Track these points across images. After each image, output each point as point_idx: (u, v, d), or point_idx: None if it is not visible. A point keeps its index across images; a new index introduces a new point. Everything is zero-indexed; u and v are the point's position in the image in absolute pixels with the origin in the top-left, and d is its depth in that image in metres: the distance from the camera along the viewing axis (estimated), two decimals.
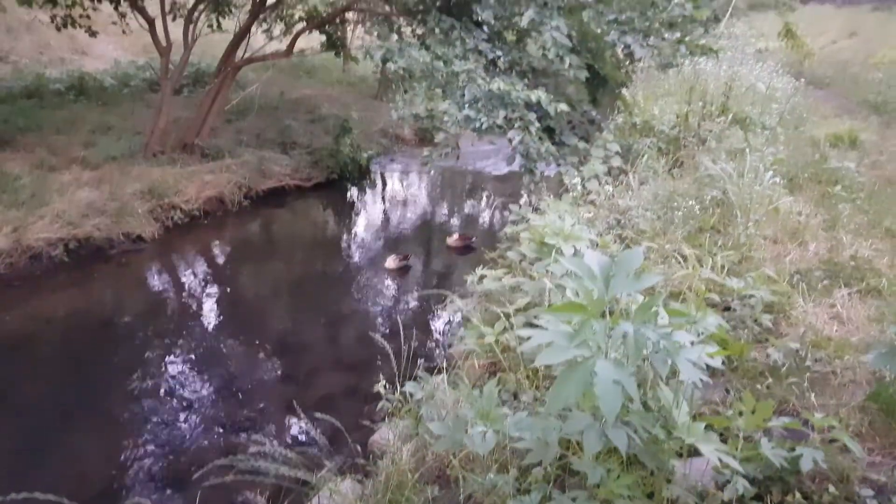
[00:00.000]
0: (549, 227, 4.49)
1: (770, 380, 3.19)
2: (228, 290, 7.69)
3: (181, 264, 8.51)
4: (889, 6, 25.14)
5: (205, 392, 5.44)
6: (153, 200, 8.84)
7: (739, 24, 20.65)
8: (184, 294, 7.60)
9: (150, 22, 10.14)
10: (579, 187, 6.04)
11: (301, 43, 11.47)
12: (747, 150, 6.05)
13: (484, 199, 12.07)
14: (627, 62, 11.13)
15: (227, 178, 9.95)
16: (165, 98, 10.25)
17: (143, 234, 8.45)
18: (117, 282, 7.71)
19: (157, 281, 7.91)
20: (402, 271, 8.04)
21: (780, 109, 9.03)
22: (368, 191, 12.27)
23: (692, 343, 2.75)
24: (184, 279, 8.11)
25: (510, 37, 10.31)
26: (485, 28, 9.18)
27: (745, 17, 21.65)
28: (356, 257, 9.02)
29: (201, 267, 8.52)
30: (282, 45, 11.89)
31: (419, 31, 9.52)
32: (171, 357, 6.00)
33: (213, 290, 7.72)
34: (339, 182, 11.81)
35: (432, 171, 11.16)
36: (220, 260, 8.88)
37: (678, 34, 8.08)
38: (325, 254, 9.05)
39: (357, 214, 11.17)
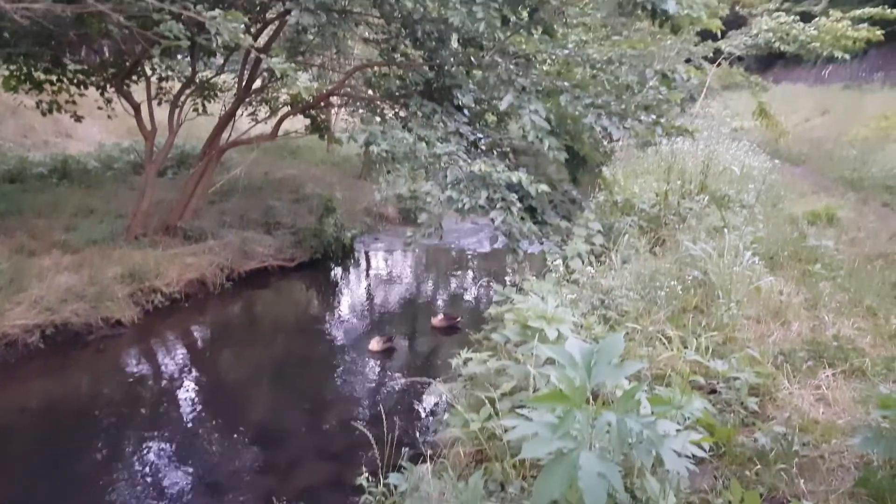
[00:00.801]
0: (532, 309, 4.53)
1: (758, 465, 3.18)
2: (207, 375, 7.59)
3: (160, 350, 8.41)
4: (858, 85, 26.30)
5: (182, 484, 5.29)
6: (133, 284, 8.82)
7: (714, 104, 21.50)
8: (162, 381, 7.49)
9: (136, 107, 10.37)
10: (561, 268, 6.11)
11: (286, 124, 11.74)
12: (726, 229, 6.19)
13: (468, 277, 12.14)
14: (606, 142, 11.50)
15: (209, 259, 9.98)
16: (149, 181, 10.38)
17: (123, 319, 8.38)
18: (94, 369, 7.60)
19: (134, 368, 7.80)
20: (385, 353, 8.00)
21: (758, 188, 9.32)
22: (352, 270, 12.32)
23: (677, 430, 2.76)
24: (162, 365, 8.01)
25: (491, 118, 10.65)
26: (465, 111, 9.48)
27: (720, 97, 22.53)
28: (339, 339, 8.97)
29: (180, 352, 8.43)
30: (267, 127, 12.18)
31: (402, 114, 9.80)
32: (148, 448, 5.86)
33: (191, 376, 7.62)
34: (322, 262, 11.87)
35: (417, 250, 11.29)
36: (200, 344, 8.80)
37: (654, 116, 8.38)
38: (307, 336, 9.00)
39: (341, 295, 11.17)
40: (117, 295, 8.51)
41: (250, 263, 10.69)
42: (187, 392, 7.15)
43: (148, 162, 10.71)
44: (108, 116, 11.49)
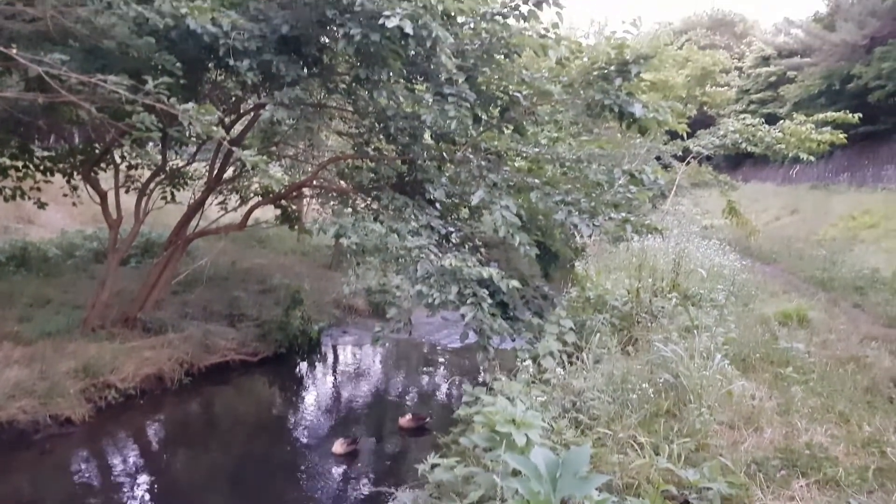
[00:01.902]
0: (501, 413, 4.49)
1: None
2: (160, 480, 7.29)
3: (110, 451, 8.10)
4: (825, 185, 27.47)
5: None
6: (87, 379, 8.59)
7: (685, 201, 22.20)
8: (109, 486, 7.16)
9: (103, 195, 10.41)
10: (531, 369, 6.10)
11: (256, 213, 11.83)
12: (696, 331, 6.26)
13: (438, 373, 12.02)
14: (578, 237, 11.73)
15: (168, 353, 9.78)
16: (110, 270, 10.29)
17: (73, 417, 8.10)
18: (38, 472, 7.27)
19: (80, 471, 7.47)
20: (350, 456, 7.79)
21: (729, 286, 9.51)
22: (318, 365, 12.14)
23: None
24: (111, 468, 7.68)
25: (463, 211, 10.85)
26: (437, 205, 9.66)
27: (690, 194, 23.29)
28: (302, 440, 8.73)
29: (132, 453, 8.11)
30: (237, 215, 12.26)
31: (374, 206, 9.96)
32: None
33: (142, 480, 7.31)
34: (287, 356, 11.69)
35: (386, 344, 11.19)
36: (154, 445, 8.50)
37: (624, 214, 8.61)
38: (268, 437, 8.75)
39: (305, 392, 10.95)
40: (69, 391, 8.26)
41: (211, 358, 10.50)
42: (136, 500, 6.84)
43: (111, 251, 10.65)
44: (74, 203, 11.48)
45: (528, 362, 6.27)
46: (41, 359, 8.57)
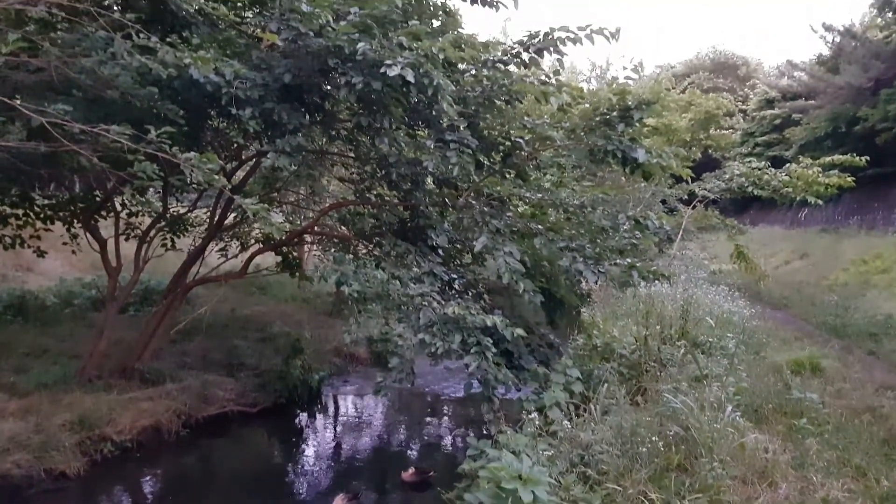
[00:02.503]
0: (506, 469, 4.43)
1: None
2: None
3: None
4: (835, 228, 27.49)
5: None
6: (82, 432, 8.51)
7: (692, 246, 22.23)
8: None
9: (102, 243, 10.47)
10: (537, 422, 6.04)
11: (257, 259, 11.88)
12: (706, 381, 6.21)
13: (442, 424, 11.89)
14: (583, 283, 11.73)
15: (165, 405, 9.71)
16: (108, 319, 10.29)
17: (67, 471, 8.01)
18: None
19: None
20: None
21: (739, 334, 9.46)
22: (319, 416, 12.02)
23: None
24: None
25: (466, 258, 10.88)
26: (440, 251, 9.70)
27: (697, 239, 23.31)
28: (301, 494, 8.60)
29: None
30: (237, 262, 12.29)
31: (375, 253, 10.00)
32: None
33: None
34: (287, 407, 11.59)
35: (388, 394, 11.09)
36: (149, 500, 8.38)
37: (630, 260, 8.63)
38: (267, 491, 8.61)
39: (304, 444, 10.82)
40: (64, 444, 8.19)
41: (209, 409, 10.41)
42: None
43: (110, 299, 10.67)
44: (73, 252, 11.55)
45: (534, 414, 6.21)
46: (36, 411, 8.51)
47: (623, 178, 18.38)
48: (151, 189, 13.10)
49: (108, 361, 10.36)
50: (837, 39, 29.89)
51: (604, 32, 7.85)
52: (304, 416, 11.78)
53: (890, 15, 27.93)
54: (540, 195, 9.97)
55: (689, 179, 13.36)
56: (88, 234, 10.68)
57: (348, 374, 14.10)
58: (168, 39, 7.01)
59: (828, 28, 29.71)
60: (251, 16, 9.83)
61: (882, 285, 16.12)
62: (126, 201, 11.58)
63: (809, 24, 36.97)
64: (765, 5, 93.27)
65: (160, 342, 11.20)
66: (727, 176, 16.82)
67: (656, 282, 10.06)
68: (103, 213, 11.14)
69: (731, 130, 36.82)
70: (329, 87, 8.69)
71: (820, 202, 15.43)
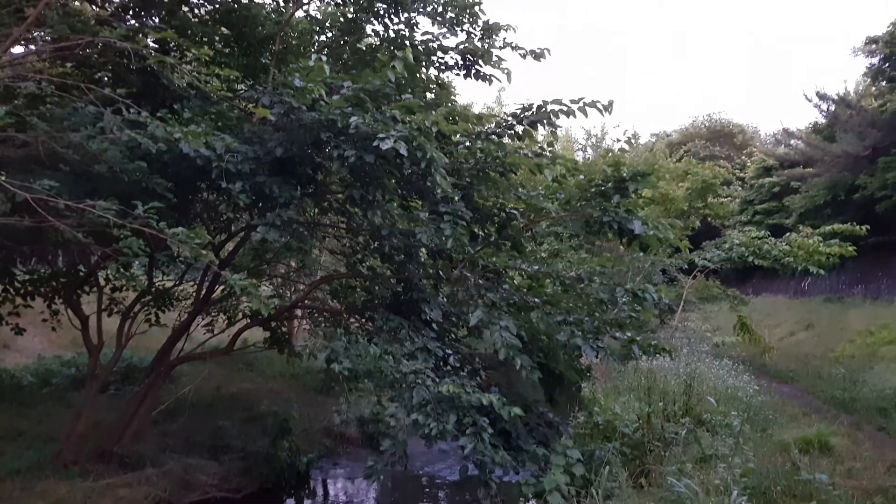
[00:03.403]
0: None
1: None
2: None
3: None
4: (840, 297, 27.58)
5: None
6: None
7: (693, 316, 22.24)
8: None
9: (84, 320, 10.43)
10: None
11: (244, 334, 11.81)
12: (712, 462, 6.14)
13: None
14: (583, 357, 11.69)
15: (144, 491, 9.49)
16: (88, 399, 10.16)
17: None
18: None
19: None
20: None
21: (745, 410, 9.39)
22: (306, 502, 11.74)
23: None
24: None
25: (461, 332, 10.85)
26: (434, 326, 9.68)
27: (699, 309, 23.33)
28: None
29: None
30: (224, 337, 12.21)
31: (368, 327, 9.98)
32: None
33: None
34: (273, 491, 11.33)
35: (380, 477, 10.86)
36: None
37: (629, 334, 8.64)
38: None
39: None
40: None
41: (191, 495, 10.17)
42: None
43: (90, 378, 10.55)
44: (53, 329, 11.48)
45: (533, 501, 6.10)
46: (8, 500, 8.31)
47: (621, 247, 18.53)
48: (137, 262, 13.17)
49: (86, 445, 10.16)
50: (832, 108, 30.66)
51: (597, 105, 8.09)
52: (290, 503, 11.50)
53: (884, 83, 28.75)
54: (536, 267, 10.03)
55: (689, 249, 13.51)
56: (70, 310, 10.64)
57: (339, 455, 13.83)
58: (159, 114, 7.19)
59: (822, 97, 30.52)
60: (244, 88, 10.13)
61: (890, 357, 16.08)
62: (110, 276, 11.61)
63: (803, 93, 38.15)
64: (758, 73, 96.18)
65: (141, 423, 11.02)
66: (727, 245, 17.01)
67: (658, 355, 10.05)
68: (86, 287, 11.13)
69: (729, 199, 37.35)
70: (321, 160, 8.87)
71: (822, 272, 15.58)
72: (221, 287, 12.16)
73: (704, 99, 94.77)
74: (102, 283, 11.19)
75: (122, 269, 8.54)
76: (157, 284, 12.05)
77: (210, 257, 6.48)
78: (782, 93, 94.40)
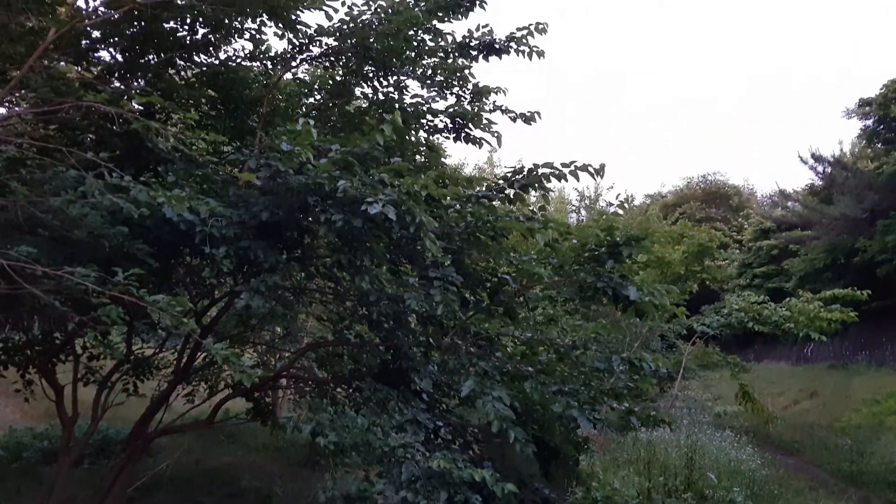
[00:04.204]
0: None
1: None
2: None
3: None
4: (844, 364, 27.54)
5: None
6: None
7: (694, 384, 22.08)
8: None
9: (59, 390, 10.26)
10: None
11: (227, 404, 11.62)
12: None
13: None
14: (580, 430, 11.55)
15: None
16: (60, 475, 9.90)
17: None
18: None
19: None
20: None
21: (748, 485, 9.24)
22: None
23: None
24: None
25: (452, 402, 10.72)
26: (424, 396, 9.56)
27: (699, 378, 23.19)
28: None
29: None
30: (206, 405, 12.01)
31: (355, 397, 9.85)
32: None
33: None
34: None
35: None
36: None
37: (627, 404, 8.56)
38: None
39: None
40: None
41: None
42: None
43: (63, 452, 10.31)
44: (26, 399, 11.29)
45: None
46: None
47: (618, 312, 18.52)
48: (115, 329, 13.05)
49: None
50: (828, 170, 31.23)
51: (588, 169, 8.20)
52: None
53: (880, 146, 29.36)
54: (529, 335, 9.99)
55: (686, 315, 13.51)
56: (44, 380, 10.47)
57: None
58: (142, 177, 7.24)
59: (817, 158, 31.12)
60: (230, 150, 10.23)
61: None
62: (87, 344, 11.47)
63: (798, 154, 39.05)
64: (752, 133, 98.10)
65: (116, 500, 10.72)
66: (726, 311, 17.02)
67: (658, 426, 9.94)
68: (62, 356, 10.98)
69: (727, 262, 37.59)
70: (308, 224, 8.90)
71: (824, 338, 15.59)
72: (203, 355, 12.03)
73: (699, 158, 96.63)
74: (79, 351, 11.03)
75: (99, 337, 8.44)
76: (136, 352, 11.90)
77: (191, 326, 6.43)
78: (776, 153, 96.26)
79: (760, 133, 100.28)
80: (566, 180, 8.41)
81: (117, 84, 10.01)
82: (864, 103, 29.70)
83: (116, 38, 9.21)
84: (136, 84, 10.05)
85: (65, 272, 6.08)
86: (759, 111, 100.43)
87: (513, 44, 10.18)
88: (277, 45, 10.79)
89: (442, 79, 10.74)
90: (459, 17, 10.06)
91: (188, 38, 9.49)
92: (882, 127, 29.04)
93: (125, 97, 9.04)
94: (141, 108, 8.87)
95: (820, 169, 31.99)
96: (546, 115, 10.75)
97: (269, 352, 14.92)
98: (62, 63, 10.46)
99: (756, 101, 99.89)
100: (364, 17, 9.55)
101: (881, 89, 29.07)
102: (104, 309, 6.30)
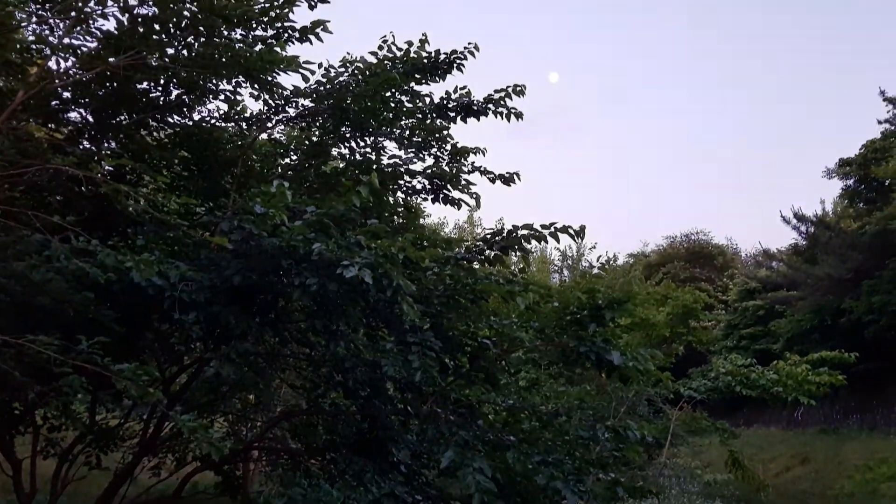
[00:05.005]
0: None
1: None
2: None
3: None
4: (835, 428, 27.54)
5: None
6: None
7: (683, 450, 21.89)
8: None
9: (17, 464, 9.99)
10: None
11: (196, 476, 11.34)
12: None
13: None
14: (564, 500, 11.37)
15: None
16: None
17: None
18: None
19: None
20: None
21: None
22: None
23: None
24: None
25: (431, 473, 10.55)
26: (402, 467, 9.41)
27: (687, 444, 23.03)
28: None
29: None
30: (174, 478, 11.71)
31: (330, 468, 9.69)
32: None
33: None
34: None
35: None
36: None
37: (613, 475, 8.48)
38: None
39: None
40: None
41: None
42: None
43: None
44: None
45: None
46: None
47: (604, 376, 18.46)
48: (79, 397, 12.78)
49: None
50: (811, 229, 31.78)
51: (568, 231, 8.29)
52: None
53: (861, 205, 30.02)
54: (511, 402, 9.94)
55: (671, 380, 13.51)
56: (1, 454, 10.19)
57: None
58: (110, 241, 7.20)
59: (800, 218, 31.70)
60: (202, 212, 10.23)
61: (891, 495, 15.89)
62: (48, 414, 11.22)
63: (780, 214, 39.70)
64: (734, 191, 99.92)
65: None
66: (713, 374, 17.03)
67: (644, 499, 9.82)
68: (21, 428, 10.72)
69: (713, 323, 37.79)
70: (282, 287, 8.86)
71: (813, 403, 15.62)
72: (171, 424, 11.79)
73: (681, 216, 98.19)
74: (39, 422, 10.78)
75: (61, 408, 8.28)
76: (100, 423, 11.63)
77: (158, 396, 6.34)
78: (757, 212, 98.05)
79: (742, 191, 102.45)
80: (546, 242, 8.51)
81: (87, 145, 10.04)
82: (844, 163, 30.51)
83: (87, 99, 9.27)
84: (106, 145, 10.08)
85: (26, 340, 5.99)
86: (741, 170, 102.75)
87: (491, 105, 10.37)
88: (253, 106, 10.83)
89: (420, 139, 10.90)
90: (437, 79, 10.25)
91: (161, 98, 9.56)
92: (863, 187, 29.79)
93: (95, 158, 9.07)
94: (111, 169, 8.90)
95: (803, 228, 32.62)
96: (526, 174, 10.91)
97: (240, 421, 14.65)
98: (31, 121, 10.50)
99: (737, 160, 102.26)
100: (341, 79, 9.73)
101: (860, 149, 29.93)
102: (66, 379, 6.20)
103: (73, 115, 9.85)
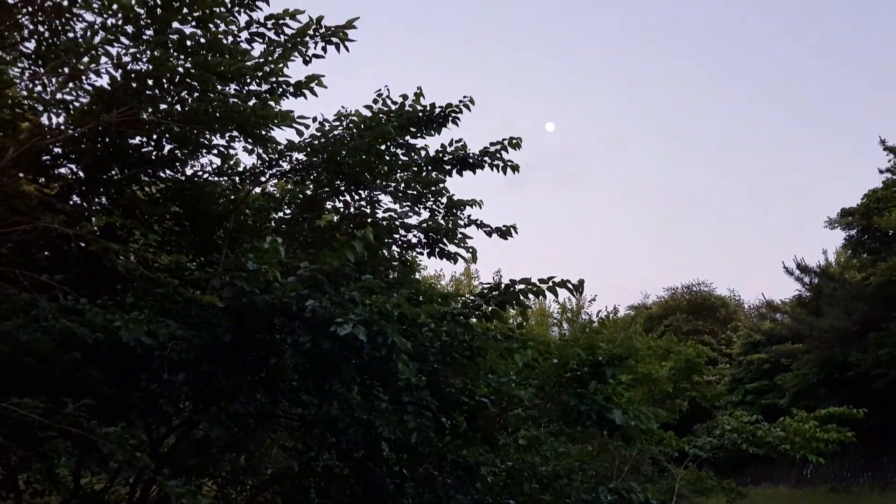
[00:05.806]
0: None
1: None
2: None
3: None
4: (846, 487, 27.22)
5: None
6: None
7: None
8: None
9: None
10: None
11: None
12: None
13: None
14: None
15: None
16: None
17: None
18: None
19: None
20: None
21: None
22: None
23: None
24: None
25: None
26: None
27: None
28: None
29: None
30: None
31: None
32: None
33: None
34: None
35: None
36: None
37: None
38: None
39: None
40: None
41: None
42: None
43: None
44: None
45: None
46: None
47: (605, 433, 18.26)
48: (63, 460, 12.60)
49: None
50: (815, 280, 31.87)
51: (567, 285, 8.32)
52: None
53: (865, 256, 30.17)
54: (511, 463, 9.84)
55: (676, 439, 13.39)
56: None
57: None
58: (99, 300, 7.20)
59: (803, 269, 31.81)
60: (193, 268, 10.24)
61: None
62: (31, 479, 11.06)
63: (783, 265, 39.74)
64: (735, 242, 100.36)
65: None
66: (718, 431, 16.87)
67: None
68: (2, 493, 10.56)
69: (717, 377, 37.61)
70: (275, 343, 8.83)
71: (821, 461, 15.47)
72: (158, 488, 11.61)
73: (682, 267, 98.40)
74: (22, 487, 10.62)
75: (45, 472, 8.17)
76: (85, 487, 11.46)
77: (145, 461, 6.28)
78: (760, 262, 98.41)
79: (744, 241, 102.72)
80: (544, 297, 8.53)
81: (78, 200, 10.10)
82: (846, 213, 30.76)
83: (79, 155, 9.36)
84: (97, 201, 10.15)
85: (11, 403, 5.96)
86: (742, 219, 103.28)
87: (487, 158, 10.48)
88: (246, 160, 10.95)
89: (415, 193, 10.98)
90: (432, 132, 10.38)
91: (154, 153, 9.67)
92: (866, 237, 29.97)
93: (86, 214, 9.12)
94: (101, 226, 8.94)
95: (806, 280, 32.71)
96: (524, 224, 10.98)
97: (230, 484, 14.44)
98: (21, 176, 10.58)
99: (738, 209, 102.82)
100: (336, 133, 9.84)
101: (862, 199, 30.18)
102: (52, 444, 6.15)
103: (64, 170, 9.95)
